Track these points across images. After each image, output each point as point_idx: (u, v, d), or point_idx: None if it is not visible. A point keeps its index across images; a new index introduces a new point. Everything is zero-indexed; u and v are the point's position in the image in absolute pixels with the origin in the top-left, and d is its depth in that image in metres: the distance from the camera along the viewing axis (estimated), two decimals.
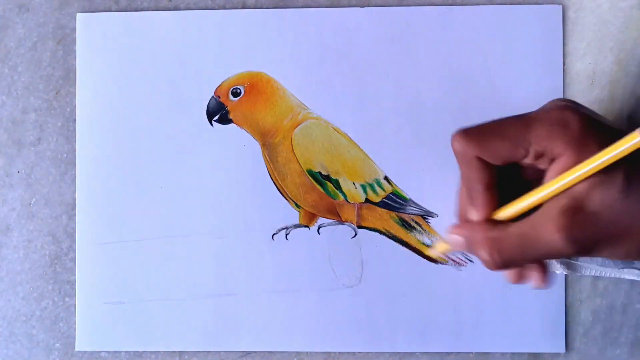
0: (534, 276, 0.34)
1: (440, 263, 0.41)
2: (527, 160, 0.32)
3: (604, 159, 0.29)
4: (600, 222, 0.29)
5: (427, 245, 0.41)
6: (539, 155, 0.31)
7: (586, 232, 0.30)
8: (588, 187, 0.30)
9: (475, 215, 0.33)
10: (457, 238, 0.34)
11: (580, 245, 0.30)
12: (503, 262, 0.32)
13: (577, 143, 0.30)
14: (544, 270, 0.34)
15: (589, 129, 0.30)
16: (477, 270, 0.40)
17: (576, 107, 0.31)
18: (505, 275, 0.34)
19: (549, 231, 0.30)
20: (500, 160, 0.32)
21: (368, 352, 0.41)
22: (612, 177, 0.29)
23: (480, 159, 0.32)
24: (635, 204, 0.29)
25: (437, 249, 0.40)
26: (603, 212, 0.29)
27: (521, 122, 0.31)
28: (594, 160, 0.29)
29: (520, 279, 0.34)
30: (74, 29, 0.42)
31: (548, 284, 0.34)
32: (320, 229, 0.41)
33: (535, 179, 0.33)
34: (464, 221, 0.34)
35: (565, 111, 0.31)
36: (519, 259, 0.32)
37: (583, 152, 0.30)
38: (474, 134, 0.32)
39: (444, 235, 0.34)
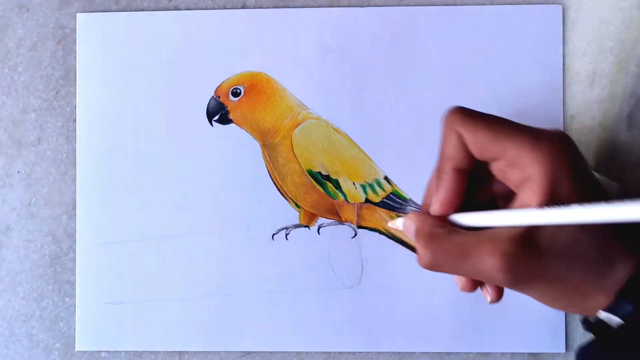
0: (487, 290, 0.33)
1: None
2: (502, 166, 0.31)
3: (576, 219, 0.27)
4: (544, 262, 0.28)
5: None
6: (513, 164, 0.30)
7: (526, 266, 0.29)
8: (545, 225, 0.29)
9: (435, 203, 0.32)
10: (409, 224, 0.33)
11: (514, 277, 0.29)
12: (432, 263, 0.31)
13: (553, 175, 0.29)
14: (495, 286, 0.33)
15: (572, 167, 0.29)
16: None
17: (570, 140, 0.30)
18: (456, 279, 0.33)
19: (490, 252, 0.29)
20: (477, 149, 0.31)
21: (368, 352, 0.41)
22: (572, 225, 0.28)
23: (461, 139, 0.31)
24: (582, 254, 0.29)
25: (394, 224, 0.38)
26: (550, 252, 0.28)
27: (515, 125, 0.30)
28: (566, 214, 0.27)
29: (470, 288, 0.33)
30: (74, 29, 0.42)
31: (498, 300, 0.33)
32: (320, 229, 0.41)
33: (503, 195, 0.32)
34: (421, 212, 0.33)
35: (559, 139, 0.29)
36: (449, 267, 0.30)
37: (554, 185, 0.29)
38: (467, 112, 0.31)
39: (402, 217, 0.34)
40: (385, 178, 0.41)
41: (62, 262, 0.42)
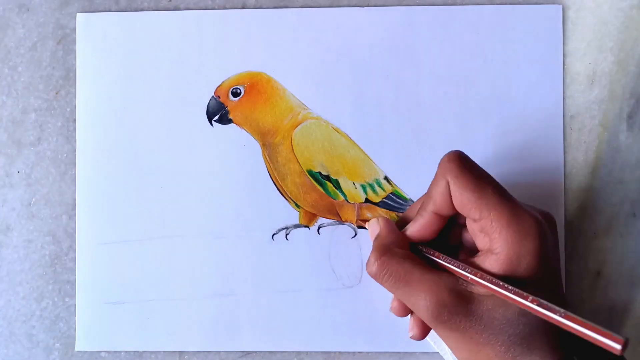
0: (414, 324, 0.34)
1: None
2: (474, 227, 0.32)
3: (534, 307, 0.28)
4: (470, 325, 0.30)
5: None
6: (484, 232, 0.31)
7: (453, 320, 0.30)
8: (488, 293, 0.30)
9: (408, 228, 0.34)
10: (374, 227, 0.35)
11: (437, 323, 0.30)
12: (376, 275, 0.33)
13: (516, 257, 0.30)
14: (424, 326, 0.34)
15: (535, 256, 0.30)
16: None
17: (544, 230, 0.31)
18: (391, 302, 0.35)
19: (428, 292, 0.30)
20: (458, 203, 0.32)
21: (368, 352, 0.41)
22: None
23: (448, 189, 0.32)
24: (509, 336, 0.29)
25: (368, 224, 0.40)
26: (480, 320, 0.30)
27: (500, 196, 0.31)
28: (508, 291, 0.29)
29: (401, 313, 0.35)
30: (74, 29, 0.42)
31: (419, 339, 0.34)
32: (320, 229, 0.41)
33: (468, 250, 0.33)
34: (391, 221, 0.35)
35: (534, 226, 0.30)
36: (389, 285, 0.32)
37: (513, 266, 0.30)
38: (462, 164, 0.32)
39: (374, 218, 0.35)
40: (385, 178, 0.41)
41: (62, 262, 0.42)
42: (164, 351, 0.41)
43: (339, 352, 0.41)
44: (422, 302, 0.31)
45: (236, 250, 0.41)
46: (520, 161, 0.41)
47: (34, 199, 0.42)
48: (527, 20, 0.41)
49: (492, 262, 0.30)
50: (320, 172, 0.41)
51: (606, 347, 0.25)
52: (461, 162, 0.32)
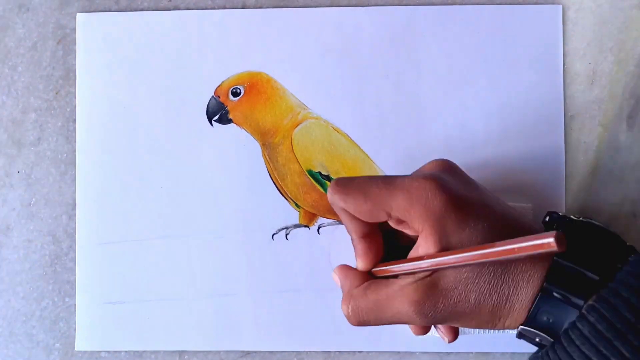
0: (442, 331, 0.35)
1: None
2: (391, 224, 0.32)
3: (467, 259, 0.28)
4: (451, 300, 0.30)
5: None
6: (400, 222, 0.32)
7: (437, 307, 0.30)
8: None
9: (357, 263, 0.34)
10: (336, 279, 0.36)
11: (431, 319, 0.31)
12: (357, 322, 0.33)
13: (435, 222, 0.30)
14: (453, 330, 0.35)
15: (449, 206, 0.30)
16: None
17: (442, 182, 0.31)
18: (409, 328, 0.36)
19: (401, 303, 0.31)
20: (366, 217, 0.32)
21: (368, 352, 0.41)
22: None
23: (348, 212, 0.32)
24: (485, 285, 0.30)
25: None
26: (455, 290, 0.30)
27: (386, 187, 0.31)
28: (457, 256, 0.29)
29: (421, 332, 0.35)
30: (74, 29, 0.42)
31: (452, 340, 0.35)
32: (320, 229, 0.41)
33: (409, 242, 0.33)
34: (346, 266, 0.35)
35: (428, 184, 0.31)
36: (373, 322, 0.32)
37: (441, 232, 0.30)
38: (341, 187, 0.32)
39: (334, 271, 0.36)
40: None
41: (62, 262, 0.42)
42: (164, 351, 0.41)
43: (339, 351, 0.41)
44: (405, 314, 0.31)
45: (236, 250, 0.41)
46: (520, 161, 0.41)
47: (34, 199, 0.42)
48: (527, 20, 0.41)
49: (425, 239, 0.30)
50: (320, 172, 0.41)
51: (544, 248, 0.24)
52: (339, 187, 0.32)
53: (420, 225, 0.30)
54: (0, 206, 0.42)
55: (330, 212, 0.41)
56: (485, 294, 0.30)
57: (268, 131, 0.42)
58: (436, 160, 0.34)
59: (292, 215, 0.41)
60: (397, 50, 0.41)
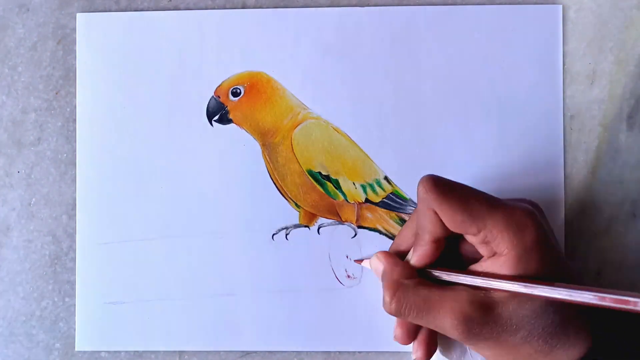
0: (417, 348, 0.35)
1: None
2: (475, 240, 0.32)
3: (546, 293, 0.29)
4: (500, 327, 0.30)
5: None
6: (486, 242, 0.32)
7: (483, 328, 0.30)
8: (509, 294, 0.30)
9: (412, 258, 0.34)
10: (377, 265, 0.35)
11: (469, 337, 0.31)
12: (397, 311, 0.33)
13: (523, 252, 0.30)
14: (428, 348, 0.35)
15: (539, 244, 0.31)
16: None
17: (538, 218, 0.32)
18: (394, 330, 0.36)
19: (451, 310, 0.31)
20: (453, 227, 0.32)
21: (368, 352, 0.41)
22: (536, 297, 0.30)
23: (437, 216, 0.32)
24: (538, 328, 0.30)
25: (366, 264, 0.40)
26: (509, 320, 0.30)
27: (488, 204, 0.31)
28: (532, 288, 0.29)
29: (405, 341, 0.36)
30: (74, 29, 0.42)
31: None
32: (320, 229, 0.41)
33: (471, 256, 0.34)
34: (392, 253, 0.35)
35: (531, 216, 0.31)
36: (412, 317, 0.32)
37: (523, 263, 0.30)
38: (440, 189, 0.32)
39: (372, 255, 0.36)
40: (385, 178, 0.41)
41: (62, 262, 0.42)
42: (164, 351, 0.41)
43: (339, 352, 0.41)
44: (449, 323, 0.31)
45: (236, 250, 0.41)
46: (520, 161, 0.41)
47: (34, 199, 0.42)
48: (527, 20, 0.41)
49: (501, 263, 0.31)
50: (320, 172, 0.41)
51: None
52: (438, 189, 0.32)
53: (506, 248, 0.31)
54: (0, 206, 0.42)
55: (330, 212, 0.41)
56: (534, 337, 0.30)
57: (268, 131, 0.42)
58: (529, 200, 0.34)
59: (292, 216, 0.41)
60: (397, 50, 0.41)
